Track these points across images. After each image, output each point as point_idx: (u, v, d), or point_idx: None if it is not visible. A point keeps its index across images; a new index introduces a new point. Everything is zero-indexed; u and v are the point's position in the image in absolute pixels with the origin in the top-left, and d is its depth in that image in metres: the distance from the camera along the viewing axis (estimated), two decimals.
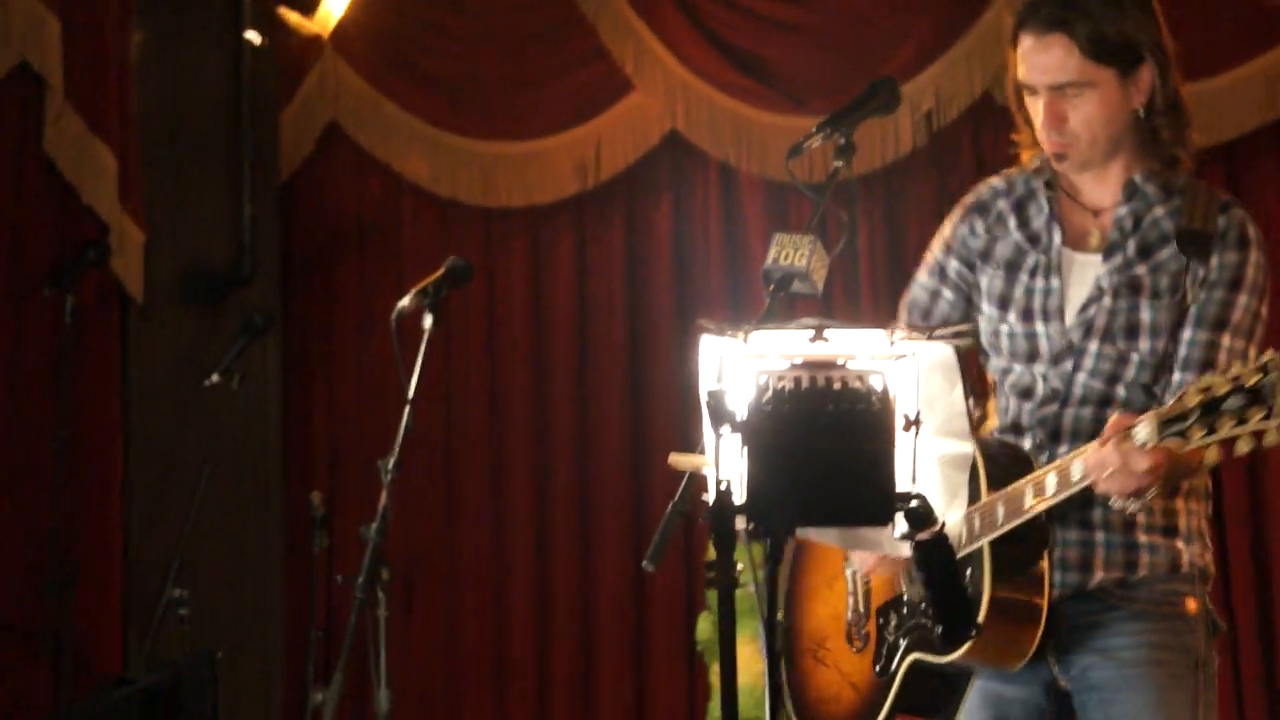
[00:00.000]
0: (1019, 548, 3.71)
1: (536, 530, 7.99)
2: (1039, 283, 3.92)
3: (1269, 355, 3.30)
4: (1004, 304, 3.96)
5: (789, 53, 7.81)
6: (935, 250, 4.15)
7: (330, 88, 8.16)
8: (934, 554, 2.82)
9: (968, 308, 4.06)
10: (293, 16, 7.77)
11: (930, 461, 2.88)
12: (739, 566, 2.76)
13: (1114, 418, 3.53)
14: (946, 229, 4.14)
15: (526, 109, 8.13)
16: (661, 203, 8.05)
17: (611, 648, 7.89)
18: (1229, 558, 7.11)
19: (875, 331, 2.83)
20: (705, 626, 7.18)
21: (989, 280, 4.00)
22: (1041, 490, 3.66)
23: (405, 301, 5.59)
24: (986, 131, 7.46)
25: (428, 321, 5.58)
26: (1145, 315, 3.80)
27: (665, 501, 3.55)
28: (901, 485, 2.76)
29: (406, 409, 5.48)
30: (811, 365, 2.76)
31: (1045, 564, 3.73)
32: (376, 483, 5.44)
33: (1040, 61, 3.83)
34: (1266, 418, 3.25)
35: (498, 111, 8.15)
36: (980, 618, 3.65)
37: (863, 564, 4.03)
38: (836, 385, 2.74)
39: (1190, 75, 7.15)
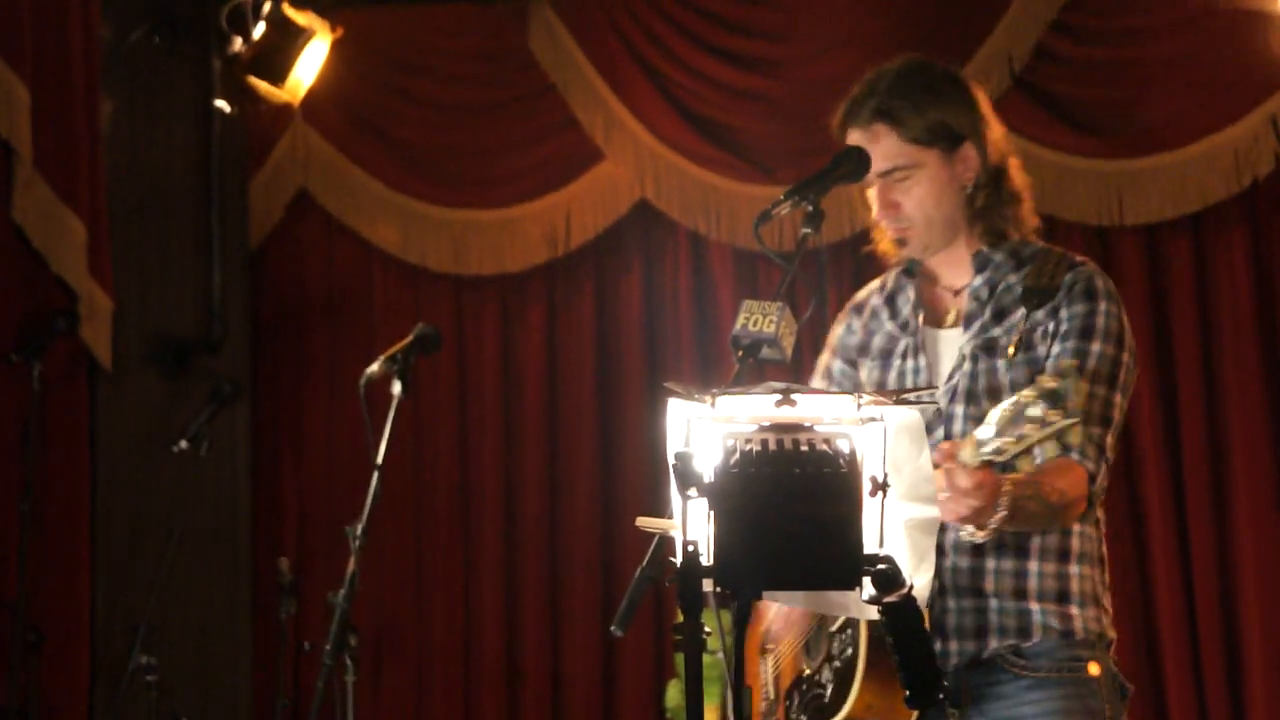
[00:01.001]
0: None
1: (505, 596, 7.97)
2: (909, 363, 4.06)
3: (1064, 361, 3.45)
4: (880, 389, 4.05)
5: (757, 122, 7.86)
6: (824, 355, 4.32)
7: (300, 155, 8.17)
8: (901, 617, 2.82)
9: None
10: (262, 85, 7.78)
11: (897, 525, 2.89)
12: (707, 630, 2.76)
13: (943, 444, 3.49)
14: (831, 334, 4.32)
15: (497, 177, 8.15)
16: (631, 270, 8.07)
17: (581, 714, 7.86)
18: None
19: (842, 396, 2.84)
20: (674, 694, 7.16)
21: (868, 372, 4.14)
22: None
23: (374, 368, 5.61)
24: None
25: (396, 388, 5.60)
26: (1004, 375, 3.89)
27: (635, 566, 3.55)
28: (869, 548, 2.77)
29: (375, 475, 5.48)
30: (779, 428, 2.77)
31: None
32: (345, 549, 5.44)
33: (868, 151, 3.94)
34: (1064, 418, 3.24)
35: (468, 180, 8.18)
36: (858, 678, 3.70)
37: (775, 640, 4.06)
38: (804, 448, 2.75)
39: (1159, 147, 7.29)
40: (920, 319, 4.07)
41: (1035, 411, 3.28)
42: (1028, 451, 3.28)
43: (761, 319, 3.58)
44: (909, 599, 2.82)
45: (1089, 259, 4.03)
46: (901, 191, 4.00)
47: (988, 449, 3.36)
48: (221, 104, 7.85)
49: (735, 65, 7.93)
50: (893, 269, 4.20)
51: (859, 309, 4.25)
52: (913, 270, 4.13)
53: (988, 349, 3.93)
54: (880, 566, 2.77)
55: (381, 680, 7.91)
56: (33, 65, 6.97)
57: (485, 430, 8.10)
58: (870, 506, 2.78)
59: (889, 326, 4.14)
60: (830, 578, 2.79)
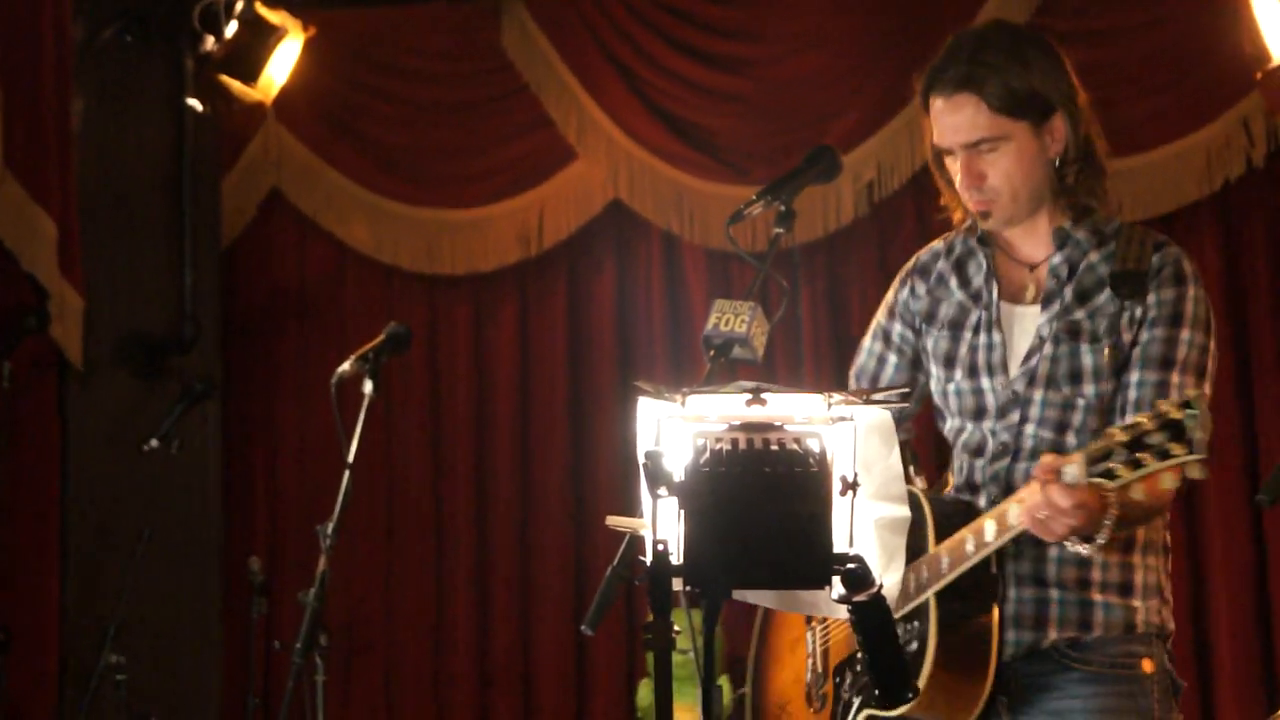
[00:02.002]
0: (965, 601, 3.72)
1: (477, 595, 7.97)
2: (982, 338, 3.92)
3: (1193, 392, 3.32)
4: (950, 362, 3.96)
5: (731, 122, 7.87)
6: (880, 317, 4.16)
7: (272, 154, 8.17)
8: (871, 615, 2.82)
9: (913, 371, 4.08)
10: (235, 84, 7.76)
11: (867, 524, 2.89)
12: (676, 629, 2.75)
13: (1045, 458, 3.49)
14: (890, 295, 4.16)
15: (469, 177, 8.15)
16: (604, 270, 8.08)
17: (552, 714, 7.86)
18: None
19: (812, 395, 2.83)
20: (645, 693, 7.18)
21: (934, 341, 4.01)
22: (981, 537, 3.67)
23: (345, 367, 5.61)
24: (928, 201, 7.47)
25: (368, 387, 5.60)
26: (1087, 360, 3.79)
27: (607, 565, 3.56)
28: (839, 547, 2.76)
29: (346, 474, 5.48)
30: (749, 427, 2.76)
31: (994, 618, 3.73)
32: (316, 548, 5.43)
33: (952, 122, 3.85)
34: (1189, 452, 3.25)
35: (440, 179, 8.17)
36: (925, 671, 3.67)
37: (824, 621, 4.04)
38: (774, 447, 2.74)
39: (1132, 149, 7.32)
40: (995, 292, 3.94)
41: (1156, 440, 3.25)
42: (1146, 480, 3.27)
43: (733, 318, 3.57)
44: (878, 598, 2.81)
45: (1170, 239, 3.90)
46: (988, 163, 3.84)
47: (1098, 470, 3.33)
48: (194, 103, 7.84)
49: (708, 65, 7.94)
50: (959, 232, 4.06)
51: (923, 272, 4.09)
52: (986, 238, 3.99)
53: (1071, 332, 3.81)
54: (850, 565, 2.76)
55: (352, 679, 7.90)
56: (3, 64, 6.95)
57: (457, 429, 8.10)
58: (840, 506, 2.77)
59: (959, 295, 4.00)
60: (800, 577, 2.78)
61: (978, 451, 3.90)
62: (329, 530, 5.41)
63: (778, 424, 2.78)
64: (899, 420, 4.04)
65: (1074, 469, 3.39)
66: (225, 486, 8.08)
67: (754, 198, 3.80)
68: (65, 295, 7.17)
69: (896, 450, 2.95)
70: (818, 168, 3.86)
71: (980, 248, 4.00)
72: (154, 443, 7.25)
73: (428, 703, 7.95)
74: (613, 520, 3.26)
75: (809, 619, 4.10)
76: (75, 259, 7.21)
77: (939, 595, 3.72)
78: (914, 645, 3.75)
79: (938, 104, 3.87)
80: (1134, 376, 3.75)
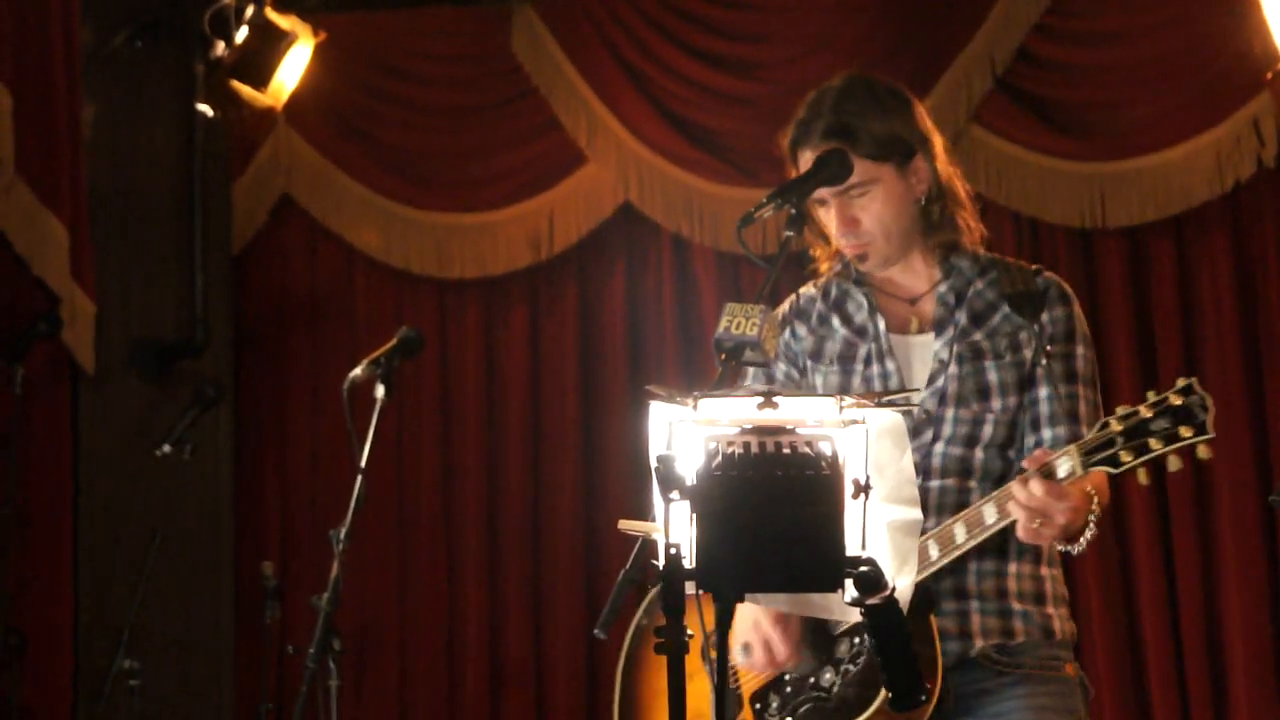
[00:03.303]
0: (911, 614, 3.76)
1: (489, 599, 7.97)
2: (875, 369, 4.08)
3: (1187, 380, 3.52)
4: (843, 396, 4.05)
5: (740, 125, 7.86)
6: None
7: (283, 159, 8.17)
8: (885, 618, 2.82)
9: None
10: (245, 89, 7.77)
11: (880, 527, 2.89)
12: (689, 633, 2.76)
13: (1035, 453, 3.70)
14: None
15: (480, 181, 8.15)
16: (615, 273, 8.08)
17: (565, 716, 7.86)
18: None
19: (824, 399, 2.84)
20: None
21: (824, 378, 4.14)
22: (950, 542, 3.82)
23: (357, 372, 5.62)
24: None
25: (380, 392, 5.61)
26: (993, 376, 3.97)
27: (619, 568, 3.56)
28: (851, 550, 2.77)
29: (359, 479, 5.48)
30: (761, 431, 2.76)
31: (934, 628, 3.82)
32: (329, 553, 5.44)
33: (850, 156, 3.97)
34: (1197, 434, 3.44)
35: (451, 183, 8.18)
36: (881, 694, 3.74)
37: (741, 649, 4.04)
38: (786, 451, 2.74)
39: (1141, 150, 7.31)
40: (882, 324, 4.09)
41: (1160, 425, 3.36)
42: (1151, 463, 3.39)
43: (744, 322, 3.57)
44: (891, 601, 2.82)
45: (1040, 265, 4.13)
46: (859, 207, 4.02)
47: (1097, 459, 3.43)
48: (204, 108, 7.85)
49: (717, 68, 7.94)
50: (830, 277, 4.20)
51: (802, 315, 4.22)
52: (862, 279, 4.15)
53: (973, 353, 3.99)
54: (862, 569, 2.76)
55: (365, 684, 7.90)
56: (13, 69, 6.95)
57: (468, 433, 8.10)
58: (852, 509, 2.78)
59: (843, 332, 4.14)
60: (813, 580, 2.78)
61: None
62: (342, 535, 5.42)
63: (789, 427, 2.78)
64: None
65: (1068, 461, 3.52)
66: (237, 491, 8.09)
67: (764, 200, 3.83)
68: (76, 300, 7.18)
69: (909, 453, 2.96)
70: (827, 170, 3.92)
71: (856, 288, 4.16)
72: (166, 448, 7.26)
73: (440, 705, 7.95)
74: (625, 524, 3.26)
75: (704, 653, 4.13)
76: (86, 264, 7.22)
77: None
78: (863, 658, 3.85)
79: (806, 157, 4.03)
80: (1042, 392, 3.96)
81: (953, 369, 3.99)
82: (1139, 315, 7.49)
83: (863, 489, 2.80)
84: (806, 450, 2.75)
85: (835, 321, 4.16)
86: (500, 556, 8.01)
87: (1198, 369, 7.33)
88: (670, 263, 8.01)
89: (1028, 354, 3.96)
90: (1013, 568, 3.94)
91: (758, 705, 4.03)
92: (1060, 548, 3.76)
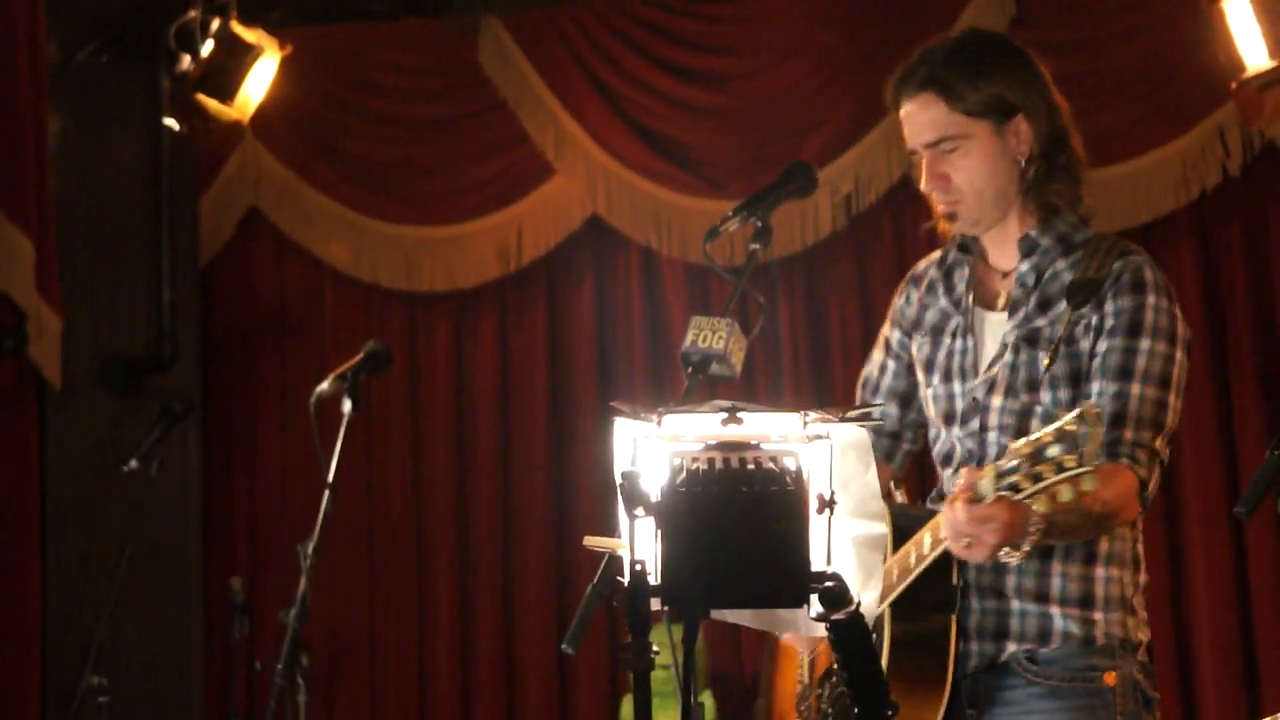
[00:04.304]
0: (920, 613, 3.74)
1: (459, 614, 7.96)
2: (957, 343, 3.96)
3: (1086, 404, 3.29)
4: (930, 367, 4.01)
5: (708, 137, 7.87)
6: (885, 326, 4.21)
7: (250, 173, 8.16)
8: (849, 634, 2.82)
9: (910, 377, 4.11)
10: (212, 103, 7.75)
11: (845, 542, 2.89)
12: (655, 649, 2.75)
13: (964, 473, 3.49)
14: (891, 305, 4.21)
15: (448, 193, 8.15)
16: (583, 286, 8.08)
17: None
18: None
19: (788, 414, 2.83)
20: (629, 709, 7.16)
21: (919, 346, 4.05)
22: (921, 550, 3.70)
23: (324, 387, 5.61)
24: (906, 214, 7.51)
25: (347, 406, 5.60)
26: (1043, 370, 3.80)
27: (589, 582, 3.56)
28: (816, 565, 2.76)
29: (326, 494, 5.48)
30: (726, 447, 2.76)
31: (951, 630, 3.75)
32: (297, 568, 5.43)
33: (917, 121, 3.92)
34: (1080, 464, 3.24)
35: (419, 196, 8.17)
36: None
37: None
38: (751, 466, 2.74)
39: (1109, 159, 7.32)
40: (972, 298, 3.98)
41: (1053, 452, 3.25)
42: (1047, 492, 3.27)
43: (711, 335, 3.58)
44: (856, 616, 2.81)
45: (1142, 248, 3.92)
46: (950, 163, 3.89)
47: (1004, 484, 3.34)
48: (170, 122, 7.83)
49: (685, 79, 7.94)
50: (952, 242, 4.08)
51: (917, 280, 4.13)
52: (969, 246, 4.03)
53: (1030, 340, 3.84)
54: (827, 584, 2.76)
55: (335, 699, 7.88)
56: None
57: (437, 447, 8.09)
58: (817, 524, 2.78)
59: (943, 302, 4.03)
60: (778, 596, 2.78)
61: (946, 460, 3.94)
62: (309, 550, 5.41)
63: (754, 443, 2.78)
64: (907, 430, 4.10)
65: (984, 483, 3.40)
66: (205, 506, 8.08)
67: (730, 214, 3.82)
68: (43, 316, 7.15)
69: (873, 467, 2.96)
70: (793, 184, 3.88)
71: (964, 255, 4.04)
72: (133, 463, 7.25)
73: (411, 718, 7.93)
74: (590, 541, 3.26)
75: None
76: (53, 279, 7.19)
77: (893, 607, 3.74)
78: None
79: (905, 107, 3.95)
80: (1094, 387, 3.77)
81: (1008, 356, 3.85)
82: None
83: (827, 504, 2.79)
84: (771, 466, 2.75)
85: (940, 290, 4.06)
86: (470, 569, 8.00)
87: None
88: (639, 275, 8.01)
89: (1085, 345, 3.79)
90: (1057, 567, 3.79)
91: (820, 690, 4.01)
92: (1003, 558, 3.63)
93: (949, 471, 3.91)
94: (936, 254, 4.15)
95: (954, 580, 3.76)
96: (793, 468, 2.76)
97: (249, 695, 7.54)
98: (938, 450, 3.97)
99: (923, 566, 3.68)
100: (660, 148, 7.92)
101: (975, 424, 3.86)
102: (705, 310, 3.63)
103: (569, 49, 8.02)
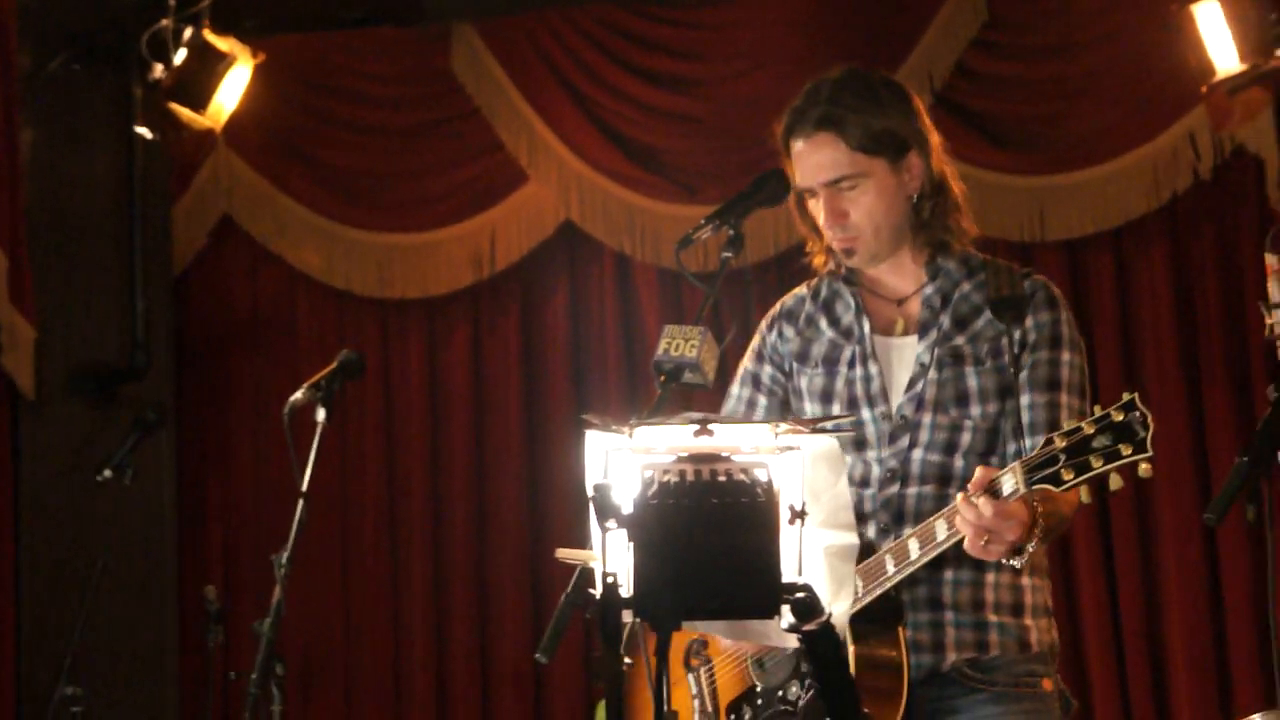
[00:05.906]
0: (875, 626, 3.76)
1: (435, 623, 7.95)
2: (858, 371, 4.04)
3: (1130, 395, 3.46)
4: (827, 398, 4.06)
5: (681, 142, 7.88)
6: (747, 363, 4.26)
7: (223, 181, 8.15)
8: (821, 644, 2.83)
9: (783, 413, 4.15)
10: (184, 111, 7.74)
11: (816, 552, 2.90)
12: (627, 661, 2.76)
13: (979, 471, 3.62)
14: (756, 341, 4.26)
15: (421, 200, 8.14)
16: (557, 292, 8.08)
17: None
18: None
19: (759, 425, 2.84)
20: (603, 716, 7.15)
21: (809, 379, 4.11)
22: (905, 557, 3.75)
23: (297, 396, 5.59)
24: None
25: (321, 415, 5.58)
26: (972, 382, 3.93)
27: (563, 588, 3.57)
28: (788, 576, 2.77)
29: (301, 502, 5.46)
30: (697, 458, 2.77)
31: (901, 642, 3.79)
32: (272, 577, 5.41)
33: (814, 161, 3.99)
34: (1137, 451, 3.40)
35: (392, 203, 8.16)
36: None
37: (717, 652, 4.05)
38: (722, 478, 2.75)
39: (1080, 163, 7.33)
40: (866, 326, 4.05)
41: (1101, 443, 3.35)
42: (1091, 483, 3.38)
43: (683, 344, 3.60)
44: (828, 626, 2.82)
45: (1033, 268, 4.07)
46: (849, 201, 3.98)
47: (1039, 477, 3.42)
48: (143, 131, 7.82)
49: (658, 85, 7.95)
50: (822, 276, 4.17)
51: (790, 316, 4.20)
52: (852, 278, 4.11)
53: (954, 357, 3.94)
54: (799, 595, 2.77)
55: (310, 709, 7.87)
56: None
57: (412, 455, 8.09)
58: (789, 535, 2.78)
59: (830, 334, 4.10)
60: (750, 607, 2.79)
61: (863, 482, 3.99)
62: (284, 559, 5.40)
63: (725, 455, 2.79)
64: None
65: (1011, 479, 3.49)
66: (180, 515, 8.06)
67: (702, 222, 3.86)
68: (16, 325, 7.14)
69: (844, 478, 2.97)
70: (764, 192, 3.94)
71: (846, 288, 4.12)
72: (107, 473, 7.21)
73: None
74: (562, 553, 3.27)
75: (687, 661, 4.13)
76: (25, 289, 7.18)
77: (852, 620, 3.76)
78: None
79: (798, 145, 4.02)
80: (1025, 399, 3.91)
81: (932, 374, 3.94)
82: (1079, 327, 7.51)
83: (798, 515, 2.81)
84: (742, 477, 2.76)
85: (823, 323, 4.13)
86: (445, 577, 7.99)
87: (1136, 380, 7.37)
88: (612, 280, 8.01)
89: (1007, 359, 3.90)
90: (990, 577, 3.89)
91: (733, 716, 4.01)
92: (1007, 562, 3.71)
93: (869, 490, 3.96)
94: (800, 290, 4.24)
95: (893, 592, 3.82)
96: (764, 479, 2.77)
97: (224, 705, 7.53)
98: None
99: (928, 557, 3.75)
100: (633, 153, 7.93)
101: (904, 442, 3.94)
102: (679, 316, 3.65)
103: (541, 55, 8.02)
